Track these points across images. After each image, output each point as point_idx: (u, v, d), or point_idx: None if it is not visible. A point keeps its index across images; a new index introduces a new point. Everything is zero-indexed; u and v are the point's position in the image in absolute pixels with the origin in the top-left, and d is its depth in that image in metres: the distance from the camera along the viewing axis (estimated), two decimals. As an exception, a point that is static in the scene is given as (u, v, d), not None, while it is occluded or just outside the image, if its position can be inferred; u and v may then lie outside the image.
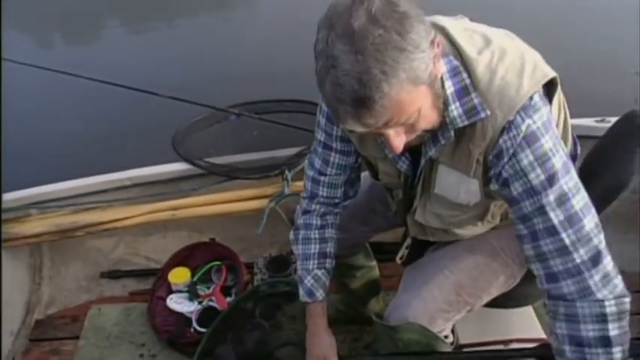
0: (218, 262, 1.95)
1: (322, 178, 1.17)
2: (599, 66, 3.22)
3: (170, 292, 1.90)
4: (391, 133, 0.80)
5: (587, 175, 1.00)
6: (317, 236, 1.20)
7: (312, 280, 1.18)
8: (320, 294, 1.18)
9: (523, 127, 0.82)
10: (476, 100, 0.82)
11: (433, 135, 0.88)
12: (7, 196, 1.89)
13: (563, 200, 0.83)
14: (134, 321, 1.88)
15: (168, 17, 5.31)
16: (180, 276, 1.90)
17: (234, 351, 1.63)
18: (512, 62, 0.84)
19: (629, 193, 1.06)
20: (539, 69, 0.85)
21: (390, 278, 1.71)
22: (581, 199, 0.84)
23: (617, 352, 0.83)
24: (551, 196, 0.83)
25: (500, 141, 0.83)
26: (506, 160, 0.84)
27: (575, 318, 0.85)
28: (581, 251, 0.83)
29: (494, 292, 1.13)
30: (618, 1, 4.13)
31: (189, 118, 2.19)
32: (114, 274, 2.07)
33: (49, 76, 2.06)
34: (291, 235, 1.25)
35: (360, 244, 1.45)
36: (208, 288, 1.89)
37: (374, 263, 1.55)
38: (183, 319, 1.82)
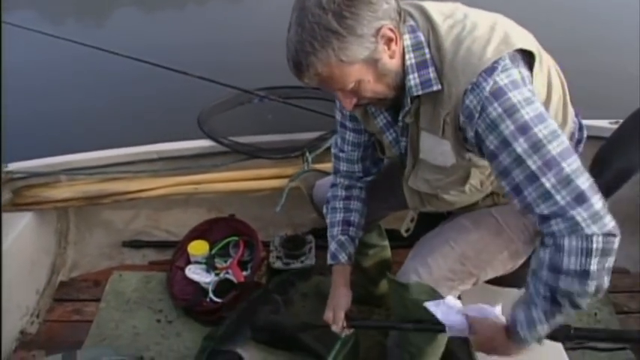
0: (236, 238, 2.02)
1: (341, 154, 1.29)
2: (607, 69, 3.20)
3: (188, 263, 1.97)
4: (338, 94, 0.98)
5: (599, 163, 1.04)
6: (342, 206, 1.31)
7: (336, 244, 1.28)
8: (342, 257, 1.27)
9: (487, 86, 0.88)
10: (432, 74, 0.93)
11: (401, 103, 1.00)
12: (39, 162, 1.98)
13: (538, 147, 0.86)
14: (153, 288, 1.96)
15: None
16: (199, 248, 1.98)
17: (245, 321, 1.71)
18: (481, 35, 0.92)
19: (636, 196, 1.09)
20: (506, 40, 0.92)
21: (402, 264, 1.75)
22: (558, 145, 0.87)
23: (592, 285, 0.86)
24: (525, 144, 0.86)
25: (467, 101, 0.90)
26: (477, 117, 0.90)
27: (561, 249, 0.87)
28: (564, 192, 0.86)
29: (499, 267, 1.18)
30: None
31: (216, 98, 2.25)
32: (135, 244, 2.15)
33: (88, 51, 2.12)
34: (324, 209, 1.36)
35: (374, 221, 1.50)
36: (225, 261, 1.96)
37: (386, 243, 1.60)
38: (200, 288, 1.89)
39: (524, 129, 0.86)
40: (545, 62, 1.01)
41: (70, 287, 2.00)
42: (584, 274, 0.86)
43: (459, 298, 1.19)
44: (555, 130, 0.88)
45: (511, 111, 0.87)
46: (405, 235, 1.31)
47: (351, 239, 1.28)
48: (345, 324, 1.21)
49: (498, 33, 0.93)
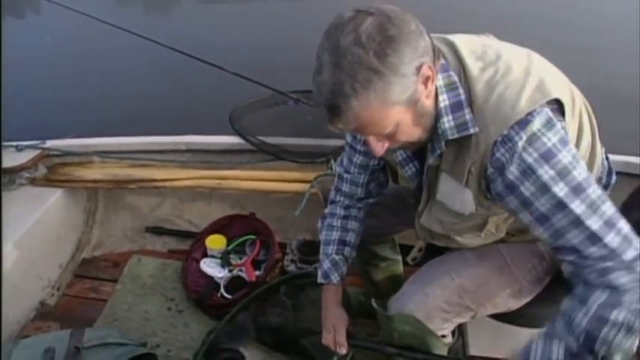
0: (253, 236, 2.04)
1: (346, 175, 1.25)
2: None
3: (205, 255, 2.01)
4: (371, 139, 0.90)
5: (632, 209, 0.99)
6: (339, 224, 1.28)
7: (330, 263, 1.25)
8: (335, 277, 1.24)
9: (522, 136, 0.83)
10: (468, 117, 0.87)
11: (432, 144, 0.94)
12: (75, 142, 2.06)
13: (579, 190, 0.84)
14: (168, 276, 2.00)
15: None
16: (216, 242, 2.01)
17: (253, 321, 1.72)
18: (515, 79, 0.86)
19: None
20: (542, 88, 0.86)
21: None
22: (593, 192, 0.85)
23: (635, 340, 0.83)
24: (566, 188, 0.83)
25: (498, 154, 0.86)
26: (511, 169, 0.85)
27: (617, 303, 0.83)
28: (611, 234, 0.84)
29: (501, 304, 1.14)
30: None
31: (250, 96, 2.28)
32: (157, 230, 2.21)
33: (133, 39, 2.19)
34: (319, 223, 1.33)
35: (387, 235, 1.48)
36: (240, 258, 1.98)
37: (399, 258, 1.58)
38: (212, 282, 1.92)
39: (563, 174, 0.84)
40: (577, 106, 0.95)
41: (91, 265, 2.07)
42: (630, 329, 0.82)
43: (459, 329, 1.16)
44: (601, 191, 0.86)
45: (548, 157, 0.83)
46: (411, 263, 1.28)
47: (345, 259, 1.26)
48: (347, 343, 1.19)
49: (534, 78, 0.87)
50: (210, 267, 1.95)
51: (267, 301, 1.79)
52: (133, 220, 2.23)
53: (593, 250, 0.85)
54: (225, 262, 1.97)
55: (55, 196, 2.00)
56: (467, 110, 0.87)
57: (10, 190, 1.99)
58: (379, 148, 0.90)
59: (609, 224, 0.84)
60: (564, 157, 0.83)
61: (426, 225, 1.09)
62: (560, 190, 0.83)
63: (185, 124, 2.32)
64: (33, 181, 2.02)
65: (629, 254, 0.84)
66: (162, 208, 2.25)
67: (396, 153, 1.06)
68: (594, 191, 0.85)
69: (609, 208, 0.85)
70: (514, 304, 1.14)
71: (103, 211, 2.22)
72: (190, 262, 1.98)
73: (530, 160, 0.83)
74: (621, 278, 0.83)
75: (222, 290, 1.87)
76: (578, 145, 0.96)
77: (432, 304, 1.10)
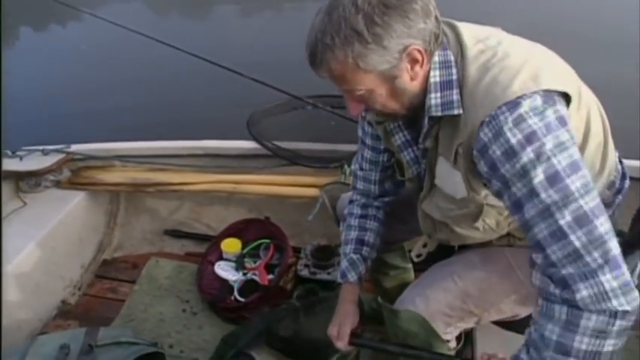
0: (268, 240, 2.05)
1: (359, 172, 1.27)
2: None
3: (220, 258, 2.03)
4: (347, 96, 0.93)
5: None
6: (357, 224, 1.28)
7: (347, 263, 1.25)
8: (352, 276, 1.24)
9: (505, 120, 0.81)
10: (455, 97, 0.88)
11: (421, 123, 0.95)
12: (98, 146, 2.13)
13: (569, 200, 0.78)
14: (184, 279, 2.03)
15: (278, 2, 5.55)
16: (231, 246, 2.03)
17: (265, 325, 1.72)
18: (511, 65, 0.85)
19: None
20: (537, 77, 0.83)
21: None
22: (591, 200, 0.79)
23: None
24: (542, 176, 0.79)
25: (481, 134, 0.84)
26: (494, 148, 0.83)
27: (575, 328, 0.78)
28: (595, 254, 0.77)
29: (506, 310, 1.11)
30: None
31: (267, 101, 2.31)
32: (175, 233, 2.25)
33: (158, 47, 2.24)
34: (341, 225, 1.35)
35: (396, 243, 1.47)
36: (255, 262, 2.00)
37: (409, 266, 1.56)
38: (226, 285, 1.93)
39: (554, 179, 0.78)
40: (584, 105, 0.92)
41: (111, 266, 2.12)
42: (595, 356, 0.78)
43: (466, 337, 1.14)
44: (588, 183, 0.80)
45: (542, 158, 0.79)
46: (415, 259, 1.27)
47: (363, 259, 1.25)
48: (348, 341, 1.18)
49: (531, 66, 0.85)
50: (225, 270, 1.97)
51: (279, 304, 1.80)
52: (153, 222, 2.28)
53: (555, 249, 0.79)
54: (239, 265, 1.99)
55: (78, 198, 2.06)
56: (456, 90, 0.88)
57: (36, 192, 2.07)
58: (353, 107, 0.95)
59: (581, 220, 0.77)
60: (548, 142, 0.79)
61: (427, 211, 1.08)
62: (535, 176, 0.79)
63: (204, 129, 2.36)
64: (57, 184, 2.09)
65: (595, 258, 0.77)
66: (181, 211, 2.30)
67: (394, 137, 1.07)
68: (573, 182, 0.78)
69: (588, 203, 0.78)
70: (521, 311, 1.11)
71: (123, 214, 2.27)
72: (206, 265, 2.00)
73: (513, 140, 0.80)
74: (582, 291, 0.77)
75: (235, 293, 1.88)
76: (584, 144, 0.94)
77: (433, 307, 1.08)
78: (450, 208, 1.02)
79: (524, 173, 0.80)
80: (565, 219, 0.78)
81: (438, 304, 1.08)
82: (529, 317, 1.10)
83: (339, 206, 1.52)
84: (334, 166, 1.97)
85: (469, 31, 0.92)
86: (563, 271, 0.79)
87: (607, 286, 0.76)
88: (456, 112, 0.87)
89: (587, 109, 0.94)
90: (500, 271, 1.08)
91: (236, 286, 1.90)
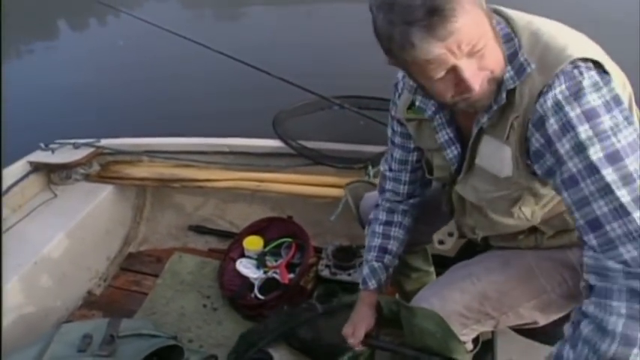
0: (290, 239, 2.05)
1: (388, 173, 1.25)
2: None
3: (242, 256, 2.04)
4: (463, 64, 0.79)
5: None
6: (381, 231, 1.26)
7: (368, 270, 1.24)
8: (372, 284, 1.22)
9: (566, 89, 0.79)
10: (522, 59, 0.84)
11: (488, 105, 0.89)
12: (126, 141, 2.17)
13: (616, 158, 0.77)
14: (206, 274, 2.05)
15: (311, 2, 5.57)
16: (253, 243, 2.04)
17: (284, 324, 1.72)
18: (561, 33, 0.84)
19: None
20: (589, 47, 0.82)
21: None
22: None
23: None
24: (601, 153, 0.76)
25: (538, 105, 0.82)
26: (551, 121, 0.80)
27: None
28: None
29: (525, 315, 1.07)
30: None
31: (294, 100, 2.31)
32: (200, 229, 2.27)
33: (191, 47, 2.28)
34: (365, 229, 1.33)
35: (419, 244, 1.44)
36: (276, 261, 2.00)
37: (432, 269, 1.53)
38: (247, 283, 1.94)
39: (613, 158, 0.77)
40: (627, 92, 0.90)
41: (136, 259, 2.16)
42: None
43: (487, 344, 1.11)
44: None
45: (601, 136, 0.77)
46: (437, 246, 1.23)
47: (384, 267, 1.23)
48: (362, 340, 1.18)
49: (581, 40, 0.84)
50: (246, 267, 1.98)
51: (299, 303, 1.80)
52: (178, 218, 2.31)
53: (616, 226, 0.76)
54: (260, 263, 1.99)
55: (106, 191, 2.11)
56: (520, 54, 0.85)
57: (67, 185, 2.13)
58: (472, 75, 0.80)
59: None
60: (607, 120, 0.78)
61: (461, 192, 1.05)
62: (594, 153, 0.77)
63: (231, 126, 2.38)
64: (87, 177, 2.15)
65: (618, 255, 0.75)
66: (206, 207, 2.32)
67: (438, 134, 1.03)
68: (632, 163, 0.76)
69: None
70: (541, 318, 1.08)
71: (150, 209, 2.31)
72: (228, 262, 2.02)
73: (572, 114, 0.78)
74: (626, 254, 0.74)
75: (255, 291, 1.89)
76: None
77: (450, 307, 1.06)
78: (488, 189, 0.98)
79: (582, 149, 0.78)
80: (627, 197, 0.76)
81: (454, 304, 1.06)
82: (554, 326, 1.08)
83: (362, 205, 1.51)
84: (358, 166, 1.96)
85: (508, 10, 0.91)
86: (628, 254, 0.75)
87: None
88: (528, 69, 0.84)
89: (630, 99, 0.91)
90: (521, 275, 1.05)
91: (257, 284, 1.91)
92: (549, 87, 0.80)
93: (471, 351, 1.13)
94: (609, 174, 0.76)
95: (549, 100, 0.80)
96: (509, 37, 0.86)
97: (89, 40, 6.16)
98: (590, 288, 0.80)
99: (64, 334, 1.47)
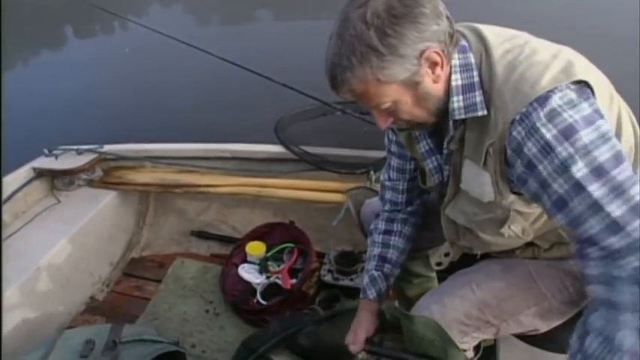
0: (292, 245, 2.05)
1: (387, 182, 1.26)
2: None
3: (244, 261, 2.04)
4: (374, 111, 0.92)
5: None
6: (380, 240, 1.26)
7: (368, 279, 1.24)
8: (371, 293, 1.22)
9: (540, 113, 0.79)
10: (478, 99, 0.86)
11: (445, 128, 0.94)
12: (129, 147, 2.18)
13: (601, 172, 0.77)
14: (209, 280, 2.05)
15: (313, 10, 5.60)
16: (256, 249, 2.04)
17: (286, 329, 1.72)
18: (539, 61, 0.83)
19: None
20: (568, 70, 0.81)
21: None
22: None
23: None
24: (585, 169, 0.76)
25: (514, 133, 0.82)
26: (529, 145, 0.81)
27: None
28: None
29: (526, 323, 1.07)
30: None
31: (296, 106, 2.32)
32: (202, 235, 2.28)
33: (187, 49, 2.29)
34: (368, 240, 1.32)
35: (420, 250, 1.44)
36: (278, 266, 2.00)
37: (433, 275, 1.53)
38: (249, 287, 1.94)
39: (599, 172, 0.76)
40: (615, 107, 0.90)
41: (138, 264, 2.17)
42: None
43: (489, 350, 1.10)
44: (633, 174, 0.78)
45: (582, 152, 0.77)
46: (435, 267, 1.25)
47: (384, 276, 1.23)
48: (363, 347, 1.17)
49: (560, 61, 0.83)
50: (249, 272, 1.98)
51: (301, 309, 1.80)
52: (180, 223, 2.32)
53: (614, 241, 0.76)
54: (263, 268, 1.99)
55: (109, 197, 2.12)
56: (478, 92, 0.87)
57: (70, 191, 2.14)
58: (381, 121, 0.93)
59: (637, 210, 0.75)
60: (587, 135, 0.77)
61: (451, 216, 1.06)
62: (577, 170, 0.77)
63: (232, 132, 2.40)
64: (90, 183, 2.16)
65: (624, 265, 0.75)
66: (208, 213, 2.33)
67: (419, 144, 1.06)
68: (621, 172, 0.76)
69: (639, 193, 0.76)
70: (542, 325, 1.07)
71: (152, 214, 2.32)
72: (230, 267, 2.02)
73: (548, 136, 0.78)
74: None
75: (258, 296, 1.89)
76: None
77: (450, 315, 1.06)
78: (476, 212, 0.99)
79: (565, 169, 0.78)
80: (617, 211, 0.76)
81: (454, 312, 1.06)
82: (556, 332, 1.07)
83: (363, 211, 1.51)
84: (360, 172, 1.96)
85: (493, 32, 0.91)
86: (631, 263, 0.76)
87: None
88: (479, 113, 0.86)
89: (618, 111, 0.91)
90: (521, 282, 1.05)
91: (259, 289, 1.91)
92: (523, 115, 0.81)
93: (472, 358, 1.13)
94: (596, 190, 0.76)
95: (524, 125, 0.81)
96: (468, 67, 0.88)
97: (92, 47, 6.21)
98: (596, 300, 0.80)
99: (67, 339, 1.47)
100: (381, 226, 1.28)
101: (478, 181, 0.94)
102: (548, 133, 0.78)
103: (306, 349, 1.66)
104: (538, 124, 0.79)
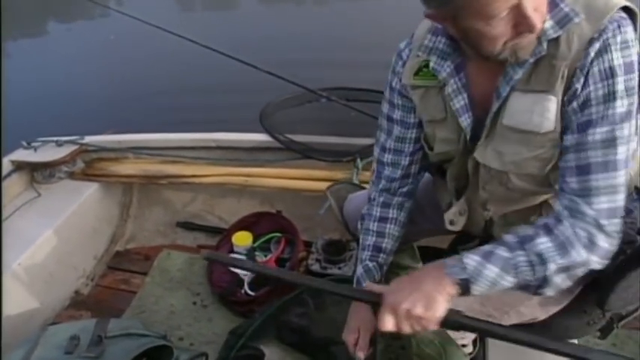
0: (279, 234, 2.03)
1: (385, 156, 1.17)
2: None
3: (231, 252, 2.02)
4: (495, 23, 0.80)
5: None
6: (375, 229, 1.20)
7: (362, 270, 1.18)
8: (366, 284, 1.19)
9: (617, 38, 0.82)
10: (566, 9, 0.85)
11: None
12: (111, 137, 2.13)
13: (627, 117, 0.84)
14: (196, 271, 2.03)
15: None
16: (242, 239, 2.02)
17: (275, 319, 1.71)
18: None
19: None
20: None
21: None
22: None
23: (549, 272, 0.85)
24: (622, 108, 0.83)
25: (590, 49, 0.83)
26: (595, 62, 0.83)
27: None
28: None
29: (526, 313, 1.06)
30: None
31: (281, 94, 2.29)
32: (188, 226, 2.25)
33: (169, 37, 2.24)
34: (358, 224, 1.26)
35: (406, 243, 1.43)
36: (265, 256, 1.99)
37: (420, 265, 1.51)
38: (237, 279, 1.92)
39: (628, 116, 0.83)
40: None
41: (124, 258, 2.13)
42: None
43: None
44: None
45: (630, 92, 0.83)
46: (449, 227, 1.17)
47: (379, 266, 1.18)
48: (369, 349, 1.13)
49: None
50: (236, 263, 1.96)
51: (290, 299, 1.79)
52: (166, 215, 2.28)
53: (600, 178, 0.84)
54: (250, 259, 1.97)
55: (91, 189, 2.08)
56: (562, 4, 0.85)
57: (50, 183, 2.09)
58: (535, 14, 0.81)
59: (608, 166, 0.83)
60: (636, 77, 0.83)
61: (480, 159, 1.00)
62: (620, 106, 0.83)
63: (217, 121, 2.36)
64: (71, 175, 2.11)
65: (594, 203, 0.83)
66: (194, 204, 2.30)
67: (453, 100, 0.99)
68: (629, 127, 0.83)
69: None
70: (541, 314, 1.06)
71: (137, 206, 2.28)
72: (217, 258, 2.00)
73: (616, 62, 0.82)
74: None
75: (245, 287, 1.87)
76: None
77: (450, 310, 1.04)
78: (518, 151, 0.94)
79: (612, 99, 0.83)
80: (623, 154, 0.83)
81: (455, 307, 1.04)
82: (551, 319, 1.07)
83: (346, 208, 1.46)
84: (347, 159, 1.95)
85: None
86: (602, 200, 0.84)
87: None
88: (576, 20, 0.84)
89: None
90: None
91: (246, 280, 1.89)
92: (600, 33, 0.82)
93: (470, 353, 1.12)
94: (620, 129, 0.82)
95: (600, 45, 0.82)
96: None
97: (72, 36, 6.08)
98: (559, 220, 0.88)
99: (51, 336, 1.44)
100: (376, 212, 1.20)
101: (537, 108, 0.89)
102: (617, 60, 0.82)
103: (295, 337, 1.65)
104: (612, 47, 0.82)
